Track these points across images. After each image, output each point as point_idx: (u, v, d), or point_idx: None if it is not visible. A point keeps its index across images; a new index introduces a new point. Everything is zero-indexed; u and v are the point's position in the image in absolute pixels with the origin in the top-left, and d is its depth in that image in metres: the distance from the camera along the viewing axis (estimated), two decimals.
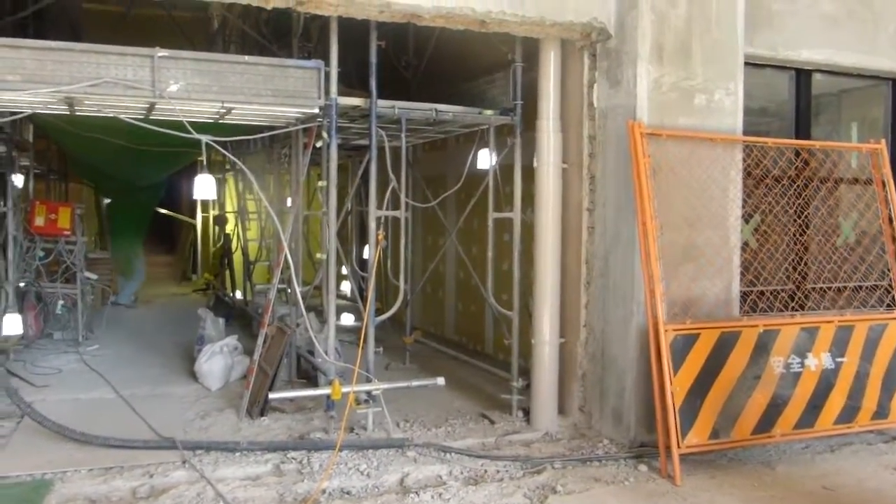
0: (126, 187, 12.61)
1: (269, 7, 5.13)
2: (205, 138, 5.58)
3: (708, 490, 4.81)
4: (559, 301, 6.06)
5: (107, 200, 13.57)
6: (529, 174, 6.26)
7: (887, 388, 5.69)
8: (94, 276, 10.01)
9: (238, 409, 6.22)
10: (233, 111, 5.90)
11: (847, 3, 6.55)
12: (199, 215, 16.56)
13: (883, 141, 6.31)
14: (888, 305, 6.02)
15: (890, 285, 6.08)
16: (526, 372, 6.29)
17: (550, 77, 5.99)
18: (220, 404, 6.53)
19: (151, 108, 5.73)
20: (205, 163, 6.30)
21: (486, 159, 7.07)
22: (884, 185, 6.17)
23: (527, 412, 6.17)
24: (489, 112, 6.59)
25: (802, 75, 6.73)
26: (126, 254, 13.21)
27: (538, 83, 6.05)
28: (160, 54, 5.29)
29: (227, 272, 12.09)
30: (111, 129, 7.35)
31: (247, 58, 5.72)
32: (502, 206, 6.78)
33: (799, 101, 6.78)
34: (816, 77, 6.81)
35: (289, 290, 7.85)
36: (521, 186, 6.41)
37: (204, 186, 6.32)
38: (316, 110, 5.81)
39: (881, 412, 5.65)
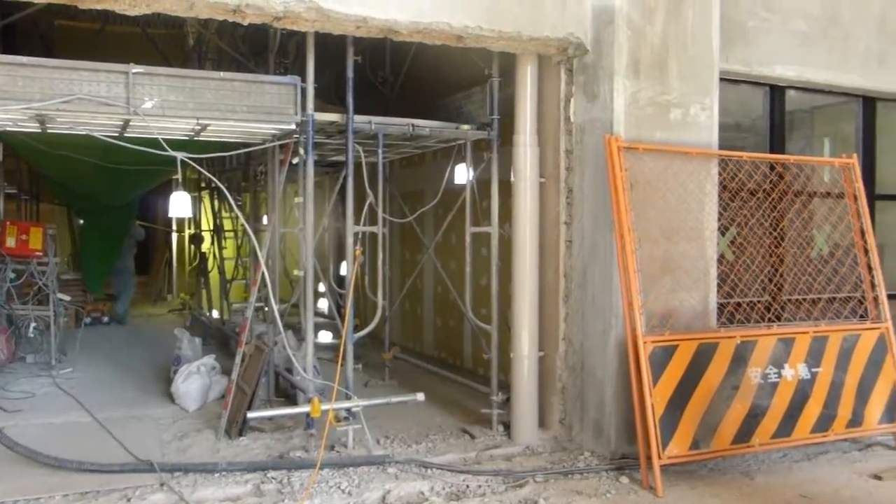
0: (99, 207, 12.47)
1: (245, 23, 5.11)
2: (180, 155, 5.54)
3: (689, 501, 4.83)
4: (538, 314, 6.07)
5: (80, 220, 13.41)
6: (507, 188, 6.28)
7: (861, 397, 5.77)
8: (67, 298, 9.84)
9: (216, 430, 6.13)
10: (208, 128, 5.86)
11: (819, 21, 6.69)
12: (174, 234, 16.40)
13: (854, 156, 6.42)
14: (861, 316, 6.10)
15: (863, 297, 6.17)
16: (506, 386, 6.28)
17: (527, 92, 6.03)
18: (197, 425, 6.43)
19: (126, 125, 5.67)
20: (180, 180, 6.24)
21: (463, 174, 7.09)
22: (856, 198, 6.28)
23: (507, 426, 6.15)
24: (466, 127, 6.61)
25: (776, 91, 6.86)
26: (99, 274, 13.05)
27: (515, 98, 6.09)
28: (135, 70, 5.24)
29: (204, 291, 11.97)
30: (84, 147, 7.27)
31: (222, 74, 5.69)
32: (480, 221, 6.79)
33: (773, 117, 6.90)
34: (790, 93, 6.95)
35: (266, 309, 7.78)
36: (498, 201, 6.43)
37: (180, 204, 6.26)
38: (292, 126, 5.79)
39: (856, 420, 5.72)
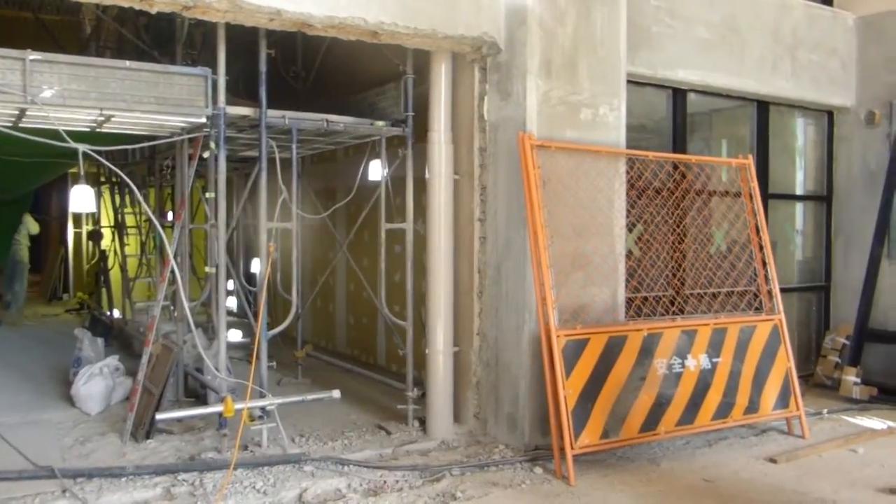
0: None
1: (153, 11, 4.94)
2: (82, 147, 5.30)
3: (600, 488, 4.99)
4: (452, 310, 6.13)
5: None
6: (421, 185, 6.32)
7: (757, 385, 6.09)
8: None
9: (122, 433, 5.90)
10: (112, 119, 5.63)
11: (719, 29, 7.03)
12: (71, 231, 15.64)
13: (750, 157, 6.77)
14: (756, 309, 6.44)
15: (757, 290, 6.52)
16: (420, 382, 6.32)
17: (441, 89, 6.07)
18: (101, 428, 6.17)
19: (22, 114, 5.38)
20: (81, 174, 5.95)
21: (377, 171, 7.08)
22: (751, 197, 6.62)
23: (423, 422, 6.19)
24: (381, 123, 6.60)
25: (679, 94, 7.15)
26: None
27: (429, 95, 6.12)
28: (32, 57, 4.99)
29: (104, 290, 11.47)
30: None
31: (129, 63, 5.46)
32: (394, 218, 6.79)
33: (676, 119, 7.19)
34: (691, 96, 7.26)
35: (172, 307, 7.53)
36: (413, 198, 6.45)
37: (82, 199, 5.95)
38: (203, 119, 5.64)
39: (752, 407, 6.04)
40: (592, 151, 5.83)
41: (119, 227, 10.77)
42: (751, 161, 6.71)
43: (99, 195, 11.67)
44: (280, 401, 5.61)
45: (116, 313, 10.89)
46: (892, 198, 7.75)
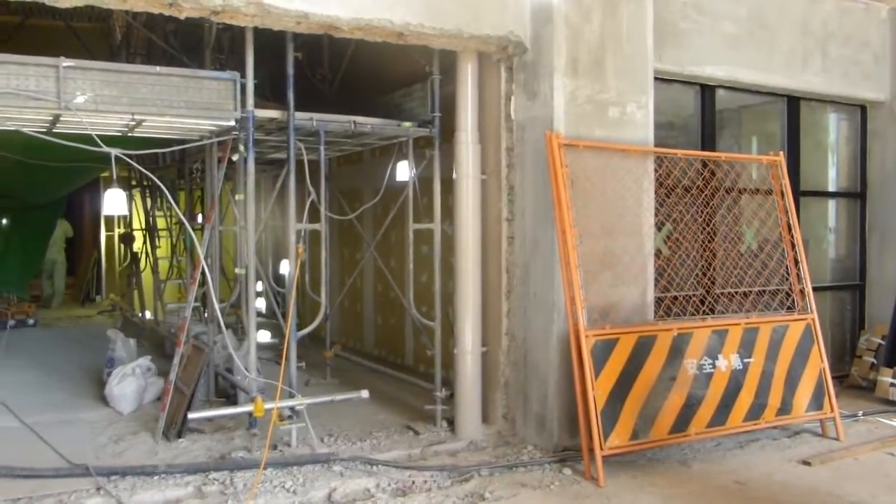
0: (22, 206, 11.99)
1: (182, 17, 4.99)
2: (115, 151, 5.39)
3: (630, 490, 4.95)
4: (480, 310, 6.12)
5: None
6: (448, 186, 6.32)
7: (790, 386, 6.00)
8: None
9: (154, 432, 5.98)
10: (143, 124, 5.73)
11: (746, 24, 6.93)
12: (104, 234, 15.90)
13: (781, 153, 6.68)
14: (788, 308, 6.35)
15: (790, 289, 6.43)
16: (448, 382, 6.32)
17: (468, 89, 6.07)
18: (133, 428, 6.26)
19: (56, 120, 5.49)
20: (114, 177, 6.07)
21: (404, 171, 7.09)
22: (782, 194, 6.53)
23: (451, 422, 6.19)
24: (408, 124, 6.61)
25: (707, 91, 7.06)
26: (24, 277, 12.59)
27: (456, 96, 6.12)
28: (65, 64, 5.09)
29: (136, 292, 11.64)
30: (5, 144, 6.97)
31: (159, 68, 5.55)
32: (421, 218, 6.80)
33: (704, 116, 7.10)
34: (720, 93, 7.16)
35: (203, 309, 7.60)
36: (440, 198, 6.46)
37: (115, 202, 6.06)
38: (232, 123, 5.70)
39: (785, 408, 5.95)
40: (620, 150, 5.79)
41: (150, 230, 10.92)
42: (782, 158, 6.62)
43: (130, 199, 11.85)
44: (309, 401, 5.64)
45: (148, 315, 11.04)
46: None
